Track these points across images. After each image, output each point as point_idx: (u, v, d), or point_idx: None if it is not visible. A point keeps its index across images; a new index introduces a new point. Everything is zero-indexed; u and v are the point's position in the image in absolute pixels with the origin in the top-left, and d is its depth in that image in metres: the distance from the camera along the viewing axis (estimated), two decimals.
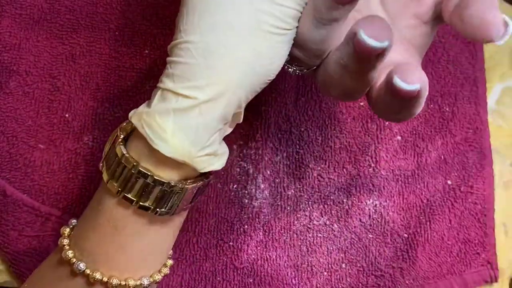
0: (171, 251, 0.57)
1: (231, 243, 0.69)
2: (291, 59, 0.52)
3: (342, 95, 0.52)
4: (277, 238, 0.70)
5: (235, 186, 0.70)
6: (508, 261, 0.73)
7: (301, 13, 0.49)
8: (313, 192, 0.71)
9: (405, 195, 0.72)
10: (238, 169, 0.70)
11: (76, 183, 0.68)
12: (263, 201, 0.70)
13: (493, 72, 0.76)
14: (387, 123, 0.72)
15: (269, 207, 0.70)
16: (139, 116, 0.50)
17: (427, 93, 0.47)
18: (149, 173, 0.50)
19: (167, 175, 0.51)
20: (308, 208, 0.70)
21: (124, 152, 0.50)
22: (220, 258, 0.69)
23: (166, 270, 0.56)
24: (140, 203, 0.50)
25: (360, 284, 0.70)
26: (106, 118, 0.69)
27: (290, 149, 0.71)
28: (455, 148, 0.73)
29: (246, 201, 0.70)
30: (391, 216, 0.71)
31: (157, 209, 0.51)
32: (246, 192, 0.70)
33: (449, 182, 0.72)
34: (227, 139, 0.54)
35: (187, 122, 0.48)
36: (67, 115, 0.69)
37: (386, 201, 0.71)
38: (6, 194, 0.67)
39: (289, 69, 0.55)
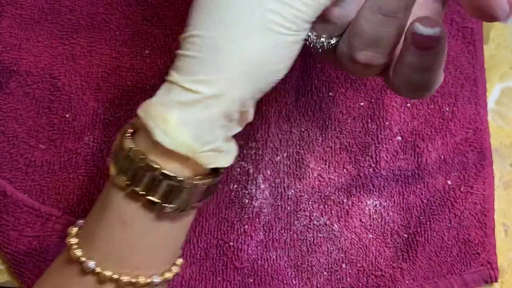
0: (180, 250, 0.57)
1: (231, 243, 0.69)
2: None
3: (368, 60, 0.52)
4: (277, 238, 0.70)
5: (235, 186, 0.70)
6: (508, 261, 0.73)
7: (315, 18, 0.50)
8: (313, 192, 0.71)
9: (405, 195, 0.72)
10: (238, 169, 0.70)
11: (77, 183, 0.68)
12: (263, 201, 0.70)
13: (493, 72, 0.76)
14: (387, 123, 0.72)
15: (269, 207, 0.70)
16: (144, 108, 0.49)
17: (446, 48, 0.48)
18: (157, 166, 0.49)
19: (175, 170, 0.50)
20: (308, 208, 0.70)
21: (132, 146, 0.50)
22: (220, 258, 0.69)
23: (176, 269, 0.55)
24: (148, 197, 0.50)
25: (360, 284, 0.70)
26: (106, 118, 0.69)
27: (290, 149, 0.71)
28: (455, 148, 0.73)
29: (247, 201, 0.70)
30: (391, 216, 0.71)
31: (164, 205, 0.50)
32: (246, 192, 0.70)
33: (449, 182, 0.72)
34: None
35: (190, 116, 0.48)
36: (67, 115, 0.69)
37: (386, 201, 0.71)
38: (7, 194, 0.67)
39: (315, 43, 0.54)
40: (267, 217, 0.70)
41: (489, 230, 0.72)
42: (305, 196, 0.71)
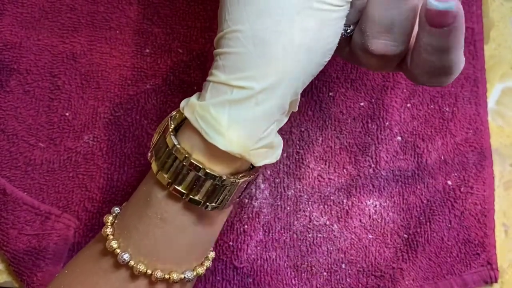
0: (213, 244, 0.57)
1: (230, 243, 0.69)
2: None
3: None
4: (277, 238, 0.70)
5: None
6: (508, 261, 0.73)
7: None
8: (313, 192, 0.71)
9: (405, 196, 0.72)
10: None
11: (76, 182, 0.68)
12: (263, 201, 0.70)
13: (493, 72, 0.76)
14: (387, 123, 0.72)
15: (269, 207, 0.70)
16: (192, 109, 0.48)
17: (463, 27, 0.47)
18: (201, 166, 0.48)
19: (219, 169, 0.49)
20: (308, 208, 0.70)
21: (176, 143, 0.49)
22: (219, 258, 0.69)
23: (208, 263, 0.55)
24: (191, 196, 0.49)
25: (360, 285, 0.70)
26: (106, 117, 0.69)
27: (290, 149, 0.71)
28: (455, 149, 0.73)
29: (246, 201, 0.70)
30: (391, 216, 0.71)
31: (207, 203, 0.50)
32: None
33: (449, 182, 0.72)
34: None
35: (243, 113, 0.47)
36: (67, 114, 0.69)
37: (386, 202, 0.71)
38: (6, 193, 0.66)
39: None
40: (266, 217, 0.70)
41: (489, 231, 0.72)
42: (305, 196, 0.71)
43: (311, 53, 0.47)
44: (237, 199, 0.53)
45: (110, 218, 0.54)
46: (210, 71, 0.49)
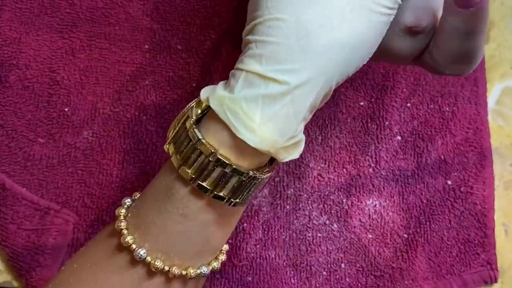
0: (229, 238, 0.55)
1: (230, 241, 0.69)
2: None
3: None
4: (276, 237, 0.69)
5: None
6: (508, 261, 0.73)
7: None
8: (312, 191, 0.71)
9: (405, 195, 0.71)
10: None
11: (75, 177, 0.68)
12: (263, 199, 0.70)
13: (493, 72, 0.76)
14: (387, 122, 0.72)
15: (268, 205, 0.70)
16: (220, 101, 0.46)
17: (488, 11, 0.46)
18: (228, 162, 0.46)
19: (246, 165, 0.48)
20: (308, 208, 0.70)
21: (201, 137, 0.47)
22: None
23: (223, 257, 0.54)
24: (215, 192, 0.48)
25: (359, 284, 0.69)
26: (105, 113, 0.69)
27: None
28: (455, 148, 0.73)
29: None
30: (390, 216, 0.71)
31: (232, 200, 0.48)
32: None
33: (449, 182, 0.72)
34: None
35: (277, 110, 0.45)
36: (66, 109, 0.69)
37: (386, 201, 0.71)
38: (6, 188, 0.66)
39: None
40: (266, 216, 0.70)
41: (489, 231, 0.72)
42: (305, 196, 0.70)
43: (354, 53, 0.46)
44: (258, 194, 0.52)
45: (123, 211, 0.52)
46: (241, 58, 0.47)
